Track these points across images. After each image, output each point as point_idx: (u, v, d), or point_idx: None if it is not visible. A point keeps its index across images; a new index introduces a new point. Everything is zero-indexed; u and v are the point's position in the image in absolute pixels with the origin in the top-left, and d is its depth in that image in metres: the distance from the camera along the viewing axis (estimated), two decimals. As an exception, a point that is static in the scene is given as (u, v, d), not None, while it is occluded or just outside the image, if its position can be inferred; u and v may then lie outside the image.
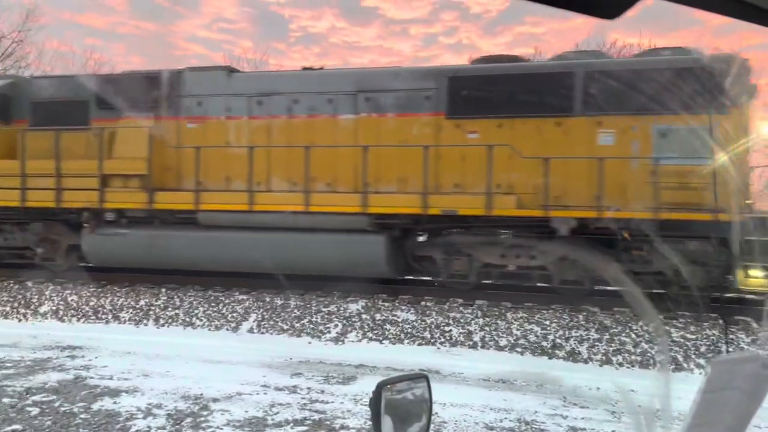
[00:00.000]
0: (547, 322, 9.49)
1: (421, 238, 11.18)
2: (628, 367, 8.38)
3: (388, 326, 9.78)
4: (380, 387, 1.27)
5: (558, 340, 9.06)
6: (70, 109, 12.24)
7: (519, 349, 8.99)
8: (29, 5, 30.89)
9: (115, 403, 6.42)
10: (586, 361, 8.61)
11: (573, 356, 8.74)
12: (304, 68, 12.23)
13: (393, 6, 46.23)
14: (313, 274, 11.00)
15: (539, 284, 10.78)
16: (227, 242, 11.05)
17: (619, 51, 26.53)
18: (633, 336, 8.96)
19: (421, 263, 11.10)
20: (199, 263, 11.53)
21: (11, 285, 12.31)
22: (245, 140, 11.62)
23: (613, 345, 8.82)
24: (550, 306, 10.08)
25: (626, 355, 8.62)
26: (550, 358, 8.74)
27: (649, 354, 8.56)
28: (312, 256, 10.70)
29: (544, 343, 9.03)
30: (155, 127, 11.72)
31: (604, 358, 8.61)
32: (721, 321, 9.25)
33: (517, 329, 9.39)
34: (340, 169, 11.01)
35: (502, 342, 9.16)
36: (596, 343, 8.91)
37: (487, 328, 9.48)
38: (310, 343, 9.59)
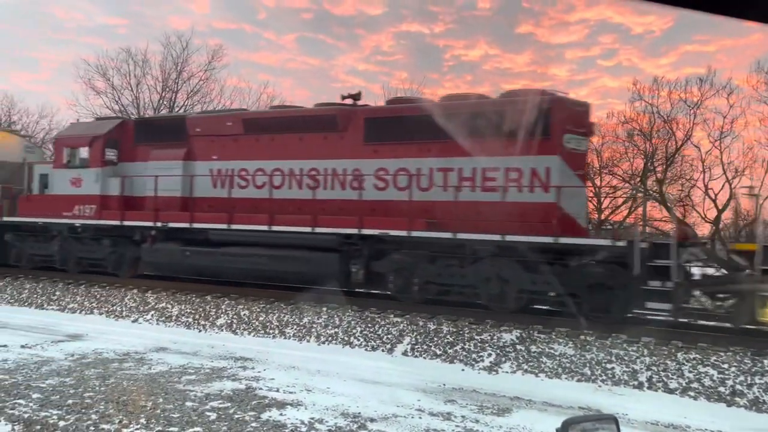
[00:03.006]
0: (725, 366, 8.62)
1: None
2: (826, 424, 7.35)
3: (544, 359, 9.45)
4: (566, 425, 1.26)
5: (738, 387, 8.19)
6: None
7: (692, 393, 8.25)
8: (214, 47, 34.47)
9: (281, 414, 6.84)
10: (773, 413, 7.68)
11: (756, 405, 7.84)
12: None
13: (548, 31, 45.32)
14: None
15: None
16: None
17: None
18: (832, 388, 7.85)
19: None
20: None
21: (193, 298, 13.65)
22: None
23: (806, 397, 7.79)
24: (728, 348, 9.15)
25: (824, 409, 7.57)
26: (728, 406, 7.91)
27: None
28: None
29: (722, 389, 8.21)
30: None
31: (795, 410, 7.63)
32: None
33: (690, 371, 8.63)
34: None
35: (672, 384, 8.47)
36: (786, 394, 7.92)
37: (654, 368, 8.82)
38: (463, 370, 9.54)
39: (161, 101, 32.55)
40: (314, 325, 11.61)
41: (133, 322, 13.12)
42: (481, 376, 9.28)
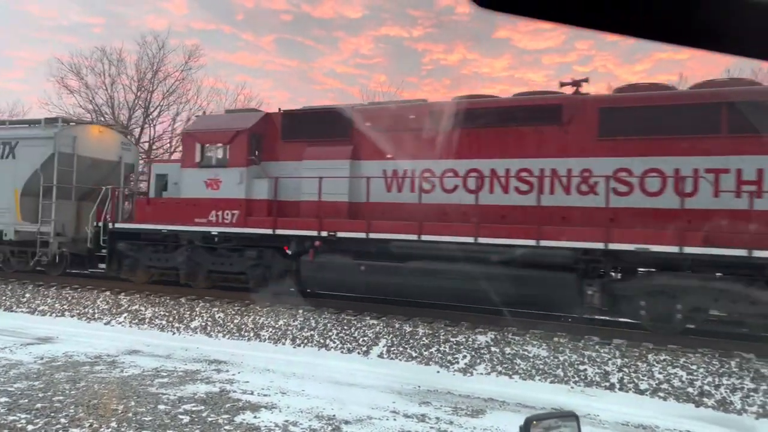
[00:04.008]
0: (694, 367, 8.79)
1: None
2: (790, 423, 7.54)
3: (518, 361, 9.55)
4: (528, 422, 1.29)
5: (706, 387, 8.36)
6: None
7: (661, 394, 8.40)
8: (191, 47, 34.18)
9: (255, 417, 6.81)
10: (739, 413, 7.86)
11: (724, 406, 8.01)
12: None
13: (525, 37, 45.86)
14: None
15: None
16: None
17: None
18: (796, 388, 8.05)
19: None
20: None
21: (167, 300, 13.51)
22: None
23: (772, 397, 7.99)
24: (696, 349, 9.34)
25: (788, 409, 7.76)
26: (696, 407, 8.07)
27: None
28: None
29: (690, 390, 8.37)
30: None
31: (761, 410, 7.81)
32: None
33: (660, 372, 8.79)
34: None
35: (643, 385, 8.61)
36: (752, 393, 8.11)
37: (625, 370, 8.96)
38: (438, 372, 9.59)
39: (136, 101, 32.19)
40: (290, 328, 11.57)
41: (106, 324, 12.93)
42: (456, 377, 9.34)
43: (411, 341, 10.52)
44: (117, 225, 14.70)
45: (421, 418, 7.08)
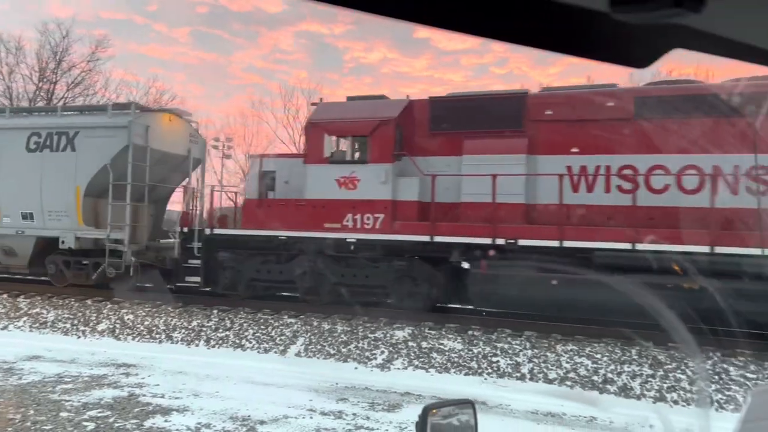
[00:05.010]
0: (599, 356, 9.25)
1: None
2: (683, 405, 8.08)
3: (434, 354, 9.72)
4: (426, 411, 1.31)
5: (609, 375, 8.82)
6: None
7: (569, 383, 8.78)
8: (98, 37, 32.53)
9: (166, 421, 6.58)
10: (638, 398, 8.34)
11: (625, 392, 8.48)
12: None
13: (444, 37, 46.80)
14: None
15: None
16: None
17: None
18: (689, 373, 8.64)
19: None
20: None
21: (72, 303, 12.82)
22: None
23: (667, 381, 8.53)
24: (601, 339, 9.84)
25: (681, 392, 8.31)
26: (600, 393, 8.50)
27: (705, 392, 8.24)
28: None
29: (595, 378, 8.80)
30: None
31: (657, 394, 8.33)
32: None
33: (567, 362, 9.20)
34: None
35: (551, 375, 8.98)
36: (649, 379, 8.63)
37: (535, 360, 9.31)
38: (356, 368, 9.61)
39: (38, 92, 30.33)
40: (204, 329, 11.26)
41: (2, 329, 12.10)
42: (373, 373, 9.39)
43: (329, 339, 10.49)
44: (217, 231, 12.65)
45: (338, 415, 7.07)
